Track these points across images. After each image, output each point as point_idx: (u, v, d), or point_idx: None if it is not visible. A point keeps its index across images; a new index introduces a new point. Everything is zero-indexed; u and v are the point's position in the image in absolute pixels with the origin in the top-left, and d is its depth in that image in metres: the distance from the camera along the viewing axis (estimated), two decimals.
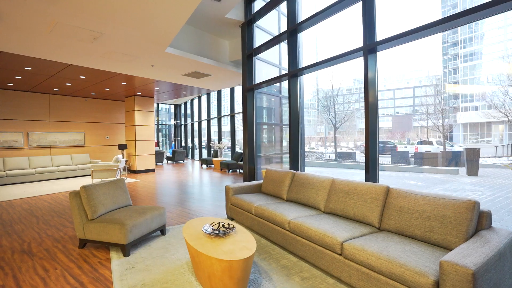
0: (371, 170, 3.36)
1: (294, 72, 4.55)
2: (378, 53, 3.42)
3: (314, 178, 3.66)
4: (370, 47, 3.35)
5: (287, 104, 7.46)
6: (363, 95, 3.39)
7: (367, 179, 3.43)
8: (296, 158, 4.65)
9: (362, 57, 3.46)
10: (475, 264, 1.58)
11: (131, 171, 10.57)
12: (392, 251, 2.07)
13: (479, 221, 2.18)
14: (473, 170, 8.14)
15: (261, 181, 4.62)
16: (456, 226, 2.12)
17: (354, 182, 3.12)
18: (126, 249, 2.98)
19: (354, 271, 2.22)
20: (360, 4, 3.73)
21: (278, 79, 5.18)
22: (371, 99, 3.34)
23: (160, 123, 17.15)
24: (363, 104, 3.42)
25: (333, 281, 2.44)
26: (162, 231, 3.65)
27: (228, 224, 2.71)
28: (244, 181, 6.01)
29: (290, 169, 4.74)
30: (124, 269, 2.71)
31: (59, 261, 2.92)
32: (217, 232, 2.52)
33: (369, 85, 3.33)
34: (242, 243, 2.33)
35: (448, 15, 2.73)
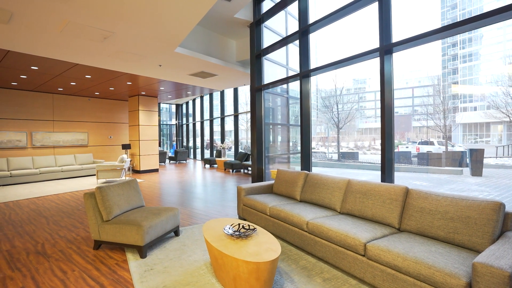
0: (387, 171, 3.37)
1: (306, 73, 4.54)
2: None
3: (328, 178, 3.65)
4: (386, 48, 3.35)
5: (294, 104, 7.49)
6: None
7: (383, 179, 3.43)
8: (307, 158, 4.65)
9: (378, 58, 3.47)
10: (510, 266, 1.58)
11: (135, 171, 10.53)
12: (418, 252, 2.07)
13: (504, 222, 2.18)
14: (477, 170, 8.17)
15: (272, 182, 4.61)
16: (482, 228, 2.12)
17: (371, 183, 3.11)
18: (143, 251, 2.96)
19: (379, 272, 2.22)
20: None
21: (289, 79, 5.17)
22: (387, 99, 3.35)
23: (161, 122, 17.08)
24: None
25: (356, 282, 2.44)
26: (176, 232, 3.64)
27: (249, 225, 2.70)
28: (252, 181, 6.00)
29: (301, 169, 4.73)
30: (143, 270, 2.69)
31: (75, 263, 2.90)
32: (238, 233, 2.51)
33: (385, 86, 3.34)
34: (266, 245, 2.32)
35: (467, 17, 2.73)
